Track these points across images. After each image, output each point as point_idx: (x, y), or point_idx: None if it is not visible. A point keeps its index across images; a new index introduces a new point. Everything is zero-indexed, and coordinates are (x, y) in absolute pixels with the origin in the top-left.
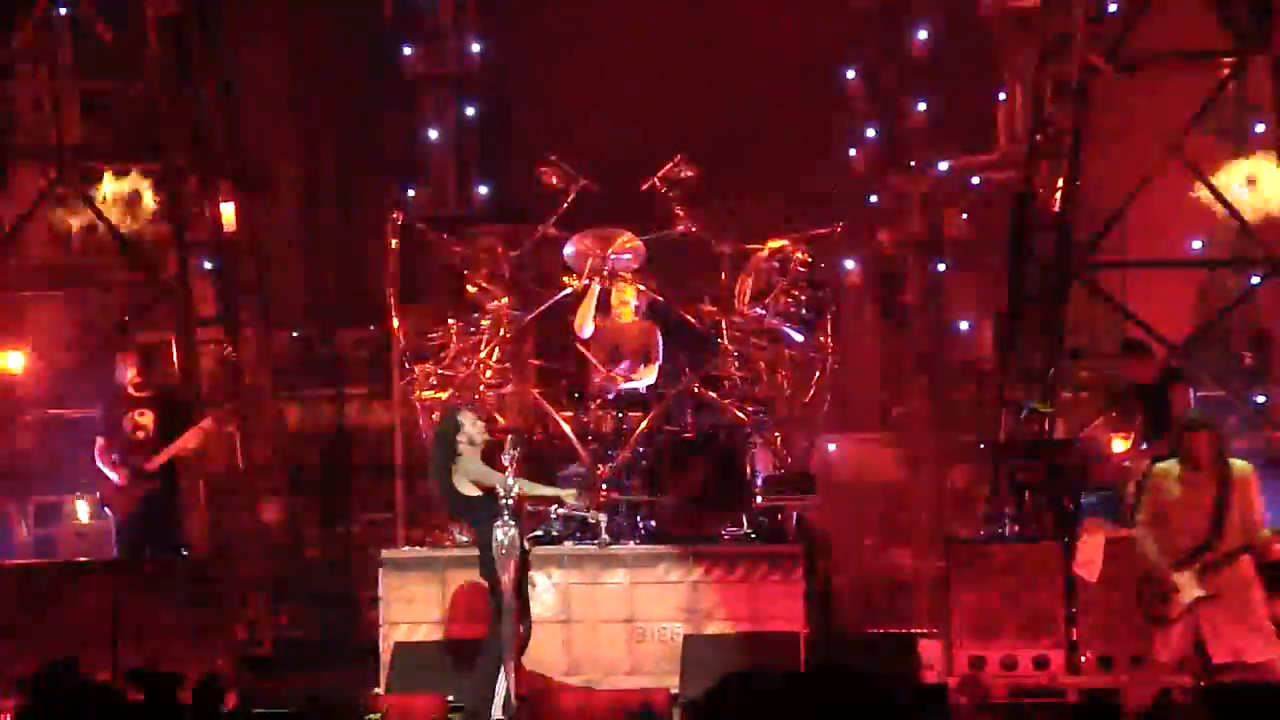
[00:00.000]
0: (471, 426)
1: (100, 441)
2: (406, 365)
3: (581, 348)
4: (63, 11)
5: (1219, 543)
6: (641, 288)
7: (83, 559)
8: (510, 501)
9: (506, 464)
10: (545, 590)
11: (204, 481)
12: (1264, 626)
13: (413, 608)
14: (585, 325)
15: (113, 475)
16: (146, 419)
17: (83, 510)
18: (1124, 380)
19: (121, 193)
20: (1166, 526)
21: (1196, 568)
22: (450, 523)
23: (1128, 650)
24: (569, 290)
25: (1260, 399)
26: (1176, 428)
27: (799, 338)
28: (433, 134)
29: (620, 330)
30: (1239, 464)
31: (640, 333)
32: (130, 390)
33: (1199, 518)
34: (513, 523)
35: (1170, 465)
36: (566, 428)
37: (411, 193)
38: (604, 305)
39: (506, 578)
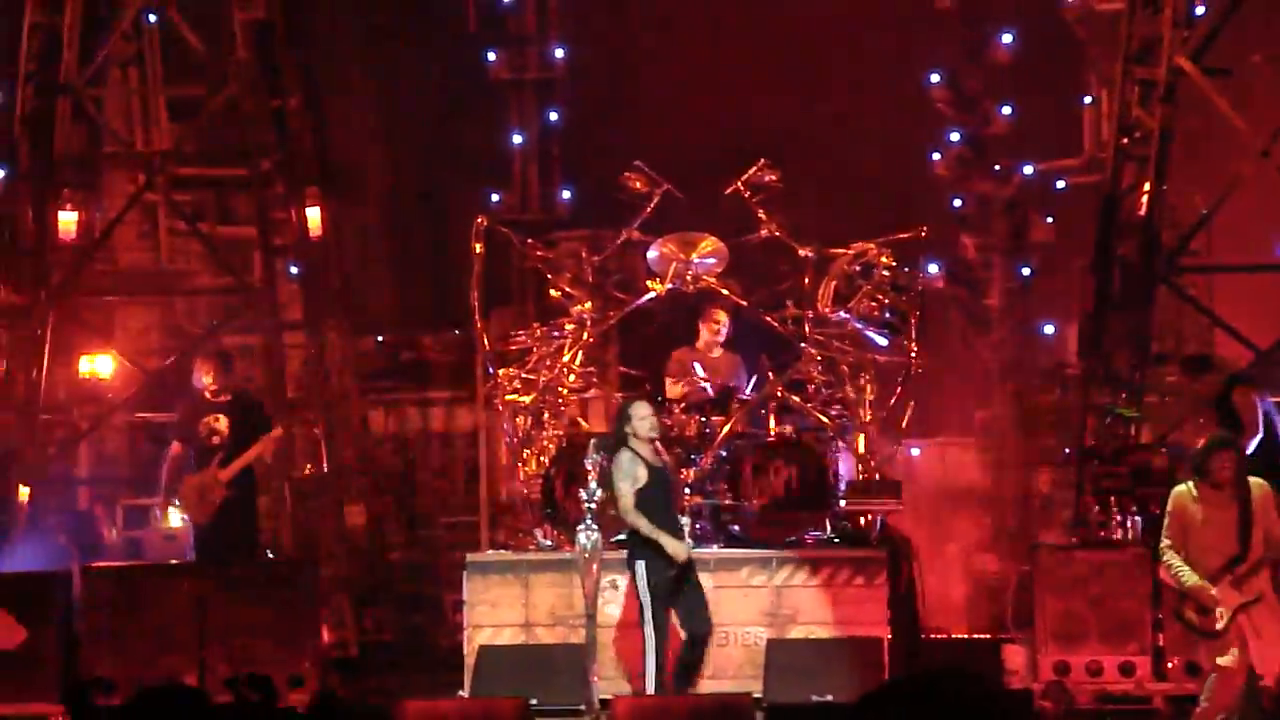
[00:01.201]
0: (640, 421)
1: (174, 448)
2: (490, 369)
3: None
4: (152, 19)
5: (1249, 554)
6: (726, 292)
7: (171, 562)
8: (593, 507)
9: (589, 469)
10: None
11: (289, 485)
12: None
13: (496, 611)
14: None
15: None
16: (221, 424)
17: (172, 515)
18: (1195, 396)
19: (209, 198)
20: (1192, 548)
21: (1230, 580)
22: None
23: None
24: (652, 294)
25: None
26: (1200, 450)
27: (883, 342)
28: (517, 139)
29: (709, 365)
30: (1256, 481)
31: (727, 366)
32: (206, 395)
33: (1225, 536)
34: (595, 528)
35: (1188, 488)
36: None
37: (496, 197)
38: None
39: (588, 582)
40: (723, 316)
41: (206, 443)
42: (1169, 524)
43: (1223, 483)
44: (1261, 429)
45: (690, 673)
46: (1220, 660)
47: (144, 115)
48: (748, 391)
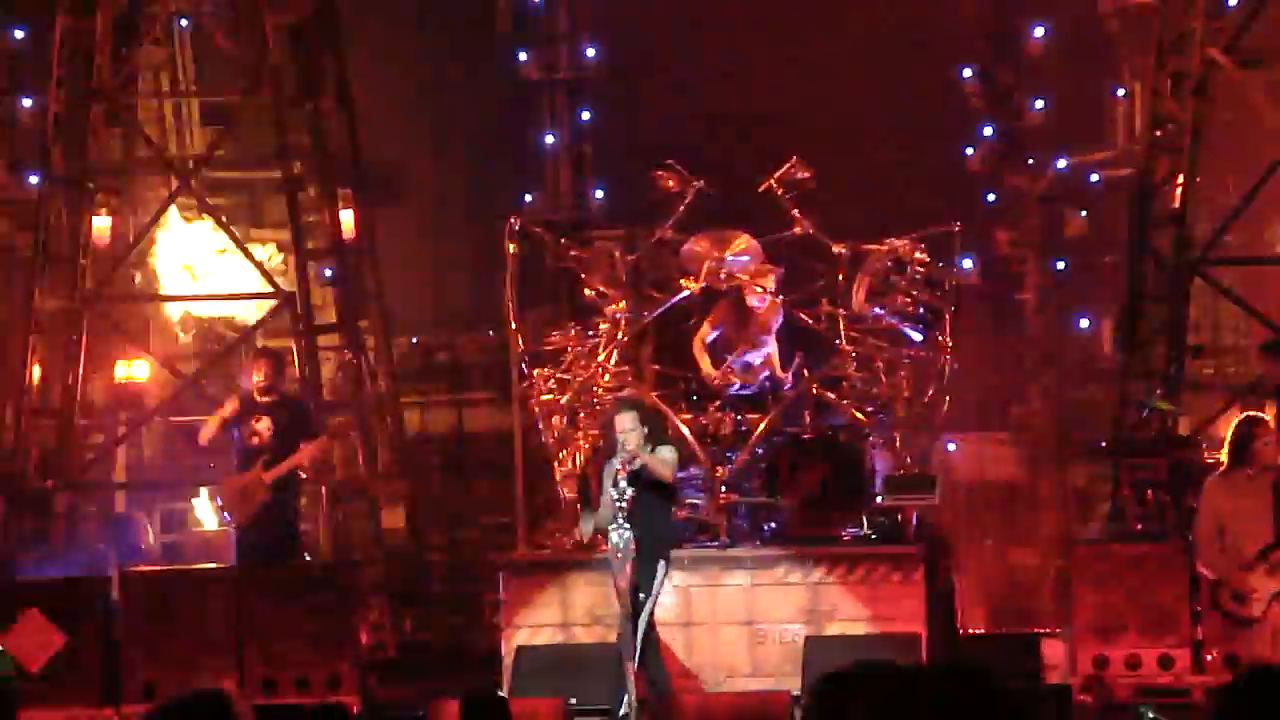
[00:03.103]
0: (625, 431)
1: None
2: (525, 370)
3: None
4: (183, 23)
5: None
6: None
7: (209, 565)
8: (624, 504)
9: (619, 467)
10: (665, 593)
11: (326, 487)
12: None
13: (534, 611)
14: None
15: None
16: (263, 424)
17: (209, 517)
18: (1260, 378)
19: (243, 202)
20: (1227, 537)
21: (1266, 567)
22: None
23: None
24: (686, 293)
25: None
26: (1242, 429)
27: (917, 337)
28: (549, 139)
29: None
30: None
31: (767, 311)
32: (255, 395)
33: (1260, 523)
34: (627, 525)
35: (1218, 479)
36: (685, 430)
37: (529, 198)
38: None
39: (621, 580)
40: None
41: (248, 443)
42: (1204, 513)
43: (1268, 461)
44: None
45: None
46: (1256, 649)
47: (176, 120)
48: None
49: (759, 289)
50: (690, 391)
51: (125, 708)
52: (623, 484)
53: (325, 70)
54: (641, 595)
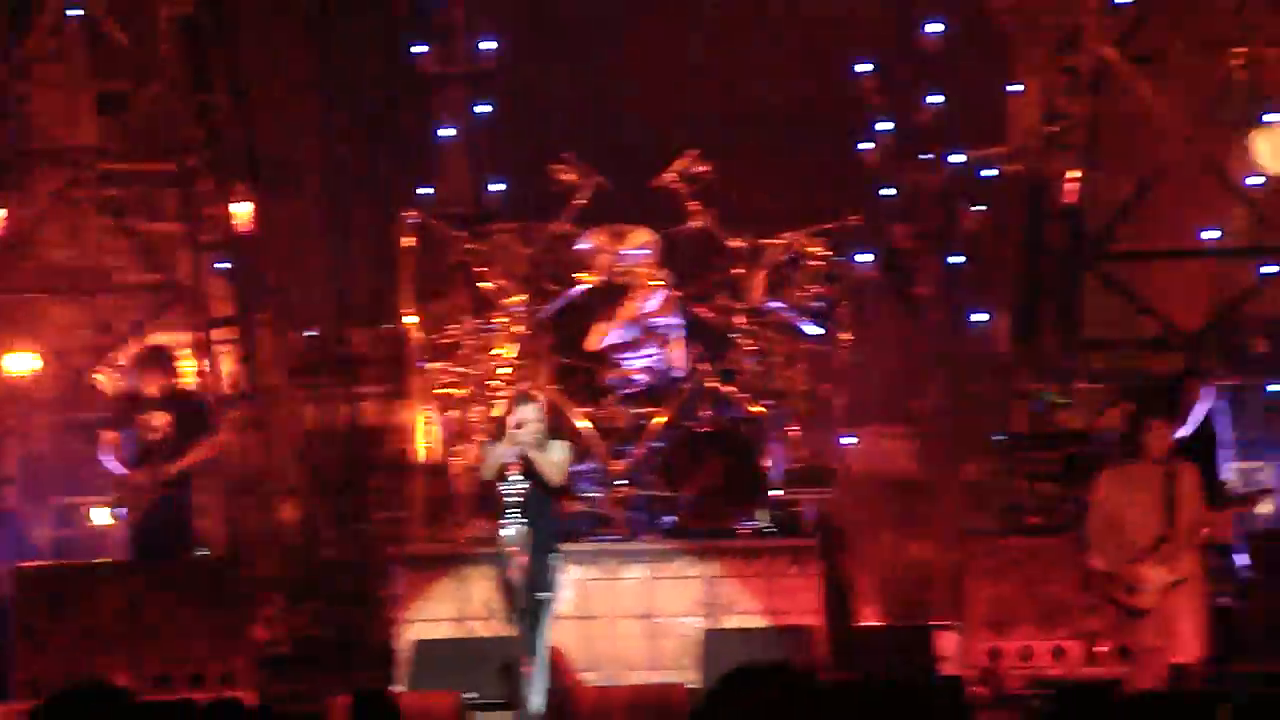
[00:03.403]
0: (525, 422)
1: (108, 434)
2: (422, 363)
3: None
4: (77, 13)
5: (1176, 534)
6: (658, 284)
7: (101, 560)
8: (517, 498)
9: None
10: (563, 587)
11: (221, 482)
12: (1203, 625)
13: (430, 605)
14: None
15: (118, 469)
16: (160, 420)
17: (102, 513)
18: (1141, 376)
19: (137, 194)
20: (1120, 529)
21: (1156, 559)
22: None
23: None
24: (584, 287)
25: (1275, 388)
26: (1134, 421)
27: (815, 331)
28: (446, 132)
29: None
30: (1184, 463)
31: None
32: (149, 391)
33: (1153, 516)
34: (522, 519)
35: (1115, 470)
36: (583, 423)
37: (427, 190)
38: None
39: (516, 574)
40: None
41: (145, 439)
42: (1096, 505)
43: (1159, 454)
44: (1197, 424)
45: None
46: (1145, 640)
47: (70, 111)
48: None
49: (648, 292)
50: (588, 384)
51: (14, 704)
52: (516, 477)
53: (219, 62)
54: (542, 594)
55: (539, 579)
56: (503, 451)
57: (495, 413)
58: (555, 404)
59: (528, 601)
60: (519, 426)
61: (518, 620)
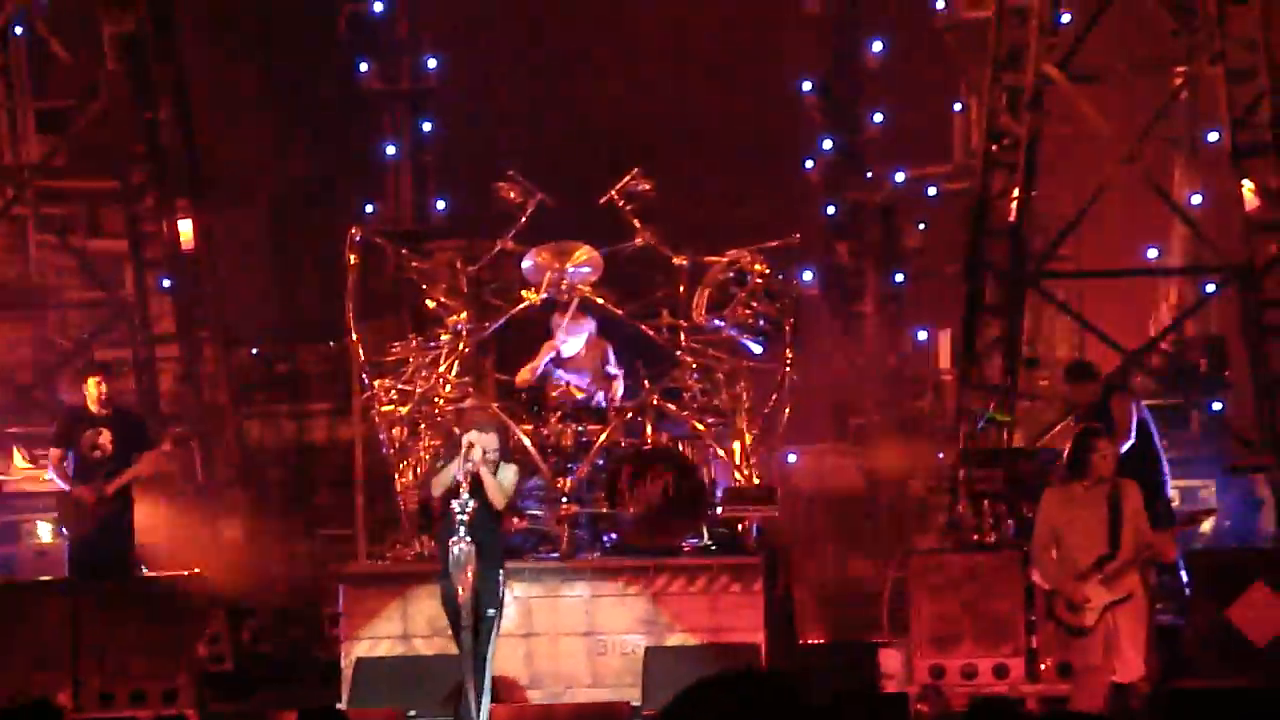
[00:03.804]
0: (485, 450)
1: (54, 452)
2: (366, 380)
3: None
4: (19, 31)
5: (1119, 553)
6: (600, 301)
7: (43, 578)
8: (465, 518)
9: (462, 479)
10: (506, 604)
11: (165, 499)
12: (1145, 644)
13: (374, 623)
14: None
15: (64, 485)
16: (104, 438)
17: (44, 530)
18: (1071, 403)
19: (80, 211)
20: (1063, 547)
21: (1100, 578)
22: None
23: None
24: (527, 304)
25: (1217, 406)
26: (1077, 440)
27: (757, 349)
28: (390, 149)
29: (574, 361)
30: (1126, 481)
31: (593, 356)
32: (91, 408)
33: (1096, 535)
34: (467, 538)
35: (1059, 489)
36: (527, 441)
37: (371, 208)
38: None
39: (463, 593)
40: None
41: (89, 456)
42: (1040, 524)
43: (1104, 474)
44: (1134, 436)
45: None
46: (1088, 658)
47: (11, 128)
48: (617, 376)
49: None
50: (532, 402)
51: None
52: (465, 495)
53: (162, 79)
54: (489, 611)
55: (485, 596)
56: (454, 469)
57: (439, 432)
58: (500, 421)
59: (472, 618)
60: (482, 454)
61: (462, 637)
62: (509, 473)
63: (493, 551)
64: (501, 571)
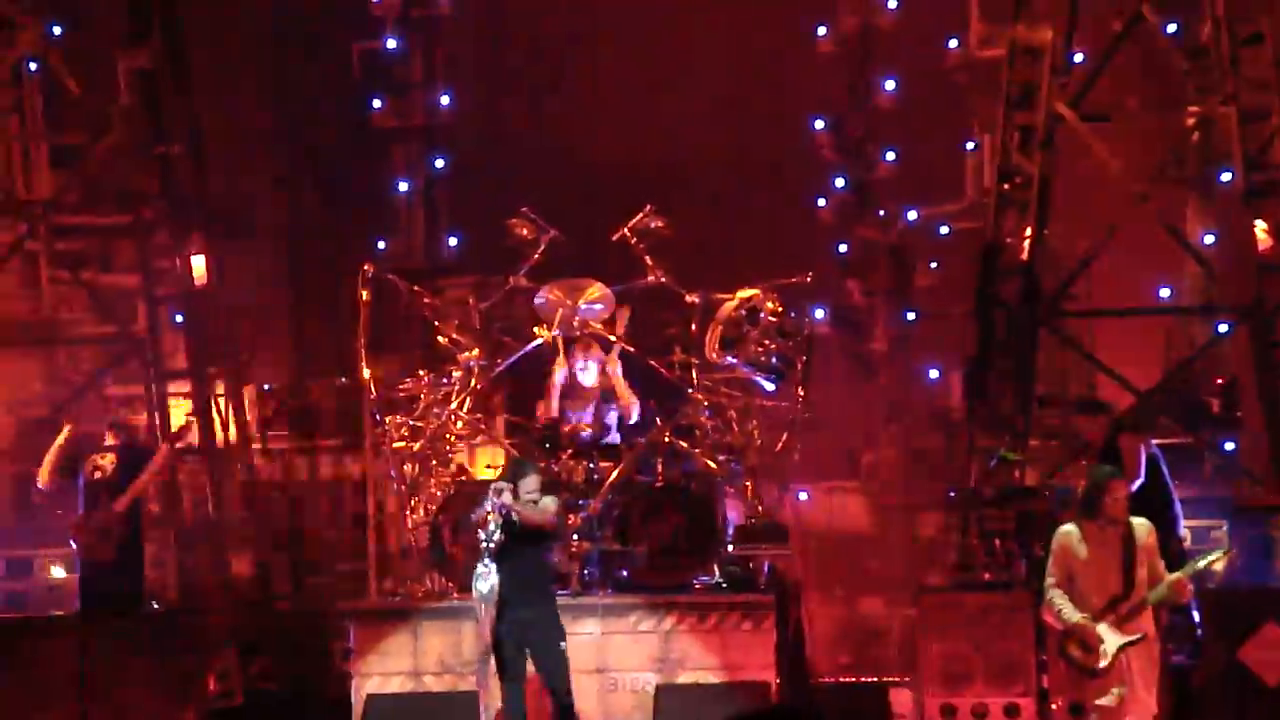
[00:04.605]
0: (526, 492)
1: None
2: (377, 417)
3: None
4: (33, 66)
5: (1133, 593)
6: (612, 339)
7: (52, 613)
8: (491, 546)
9: (488, 512)
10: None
11: (175, 534)
12: (1154, 686)
13: (384, 659)
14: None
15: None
16: (107, 460)
17: (55, 566)
18: (1081, 438)
19: (92, 246)
20: (1076, 587)
21: (1113, 619)
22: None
23: None
24: (539, 341)
25: (1229, 446)
26: (1090, 480)
27: (769, 387)
28: (402, 186)
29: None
30: (1139, 520)
31: (599, 385)
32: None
33: (1109, 574)
34: (492, 569)
35: (1072, 528)
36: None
37: (383, 245)
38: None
39: (485, 628)
40: (593, 369)
41: (91, 479)
42: (1053, 563)
43: (1117, 516)
44: (1144, 475)
45: None
46: (1101, 700)
47: (25, 163)
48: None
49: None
50: (543, 439)
51: None
52: (492, 528)
53: (175, 115)
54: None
55: (549, 630)
56: (488, 504)
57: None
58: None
59: (497, 653)
60: (513, 498)
61: (481, 672)
62: (550, 501)
63: (541, 585)
64: (554, 604)
